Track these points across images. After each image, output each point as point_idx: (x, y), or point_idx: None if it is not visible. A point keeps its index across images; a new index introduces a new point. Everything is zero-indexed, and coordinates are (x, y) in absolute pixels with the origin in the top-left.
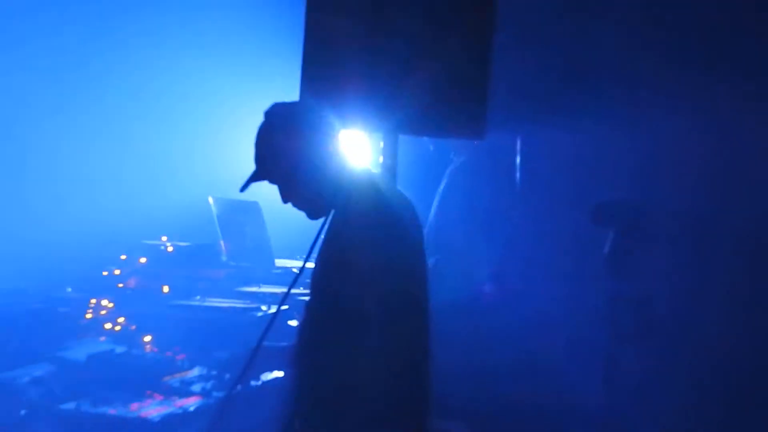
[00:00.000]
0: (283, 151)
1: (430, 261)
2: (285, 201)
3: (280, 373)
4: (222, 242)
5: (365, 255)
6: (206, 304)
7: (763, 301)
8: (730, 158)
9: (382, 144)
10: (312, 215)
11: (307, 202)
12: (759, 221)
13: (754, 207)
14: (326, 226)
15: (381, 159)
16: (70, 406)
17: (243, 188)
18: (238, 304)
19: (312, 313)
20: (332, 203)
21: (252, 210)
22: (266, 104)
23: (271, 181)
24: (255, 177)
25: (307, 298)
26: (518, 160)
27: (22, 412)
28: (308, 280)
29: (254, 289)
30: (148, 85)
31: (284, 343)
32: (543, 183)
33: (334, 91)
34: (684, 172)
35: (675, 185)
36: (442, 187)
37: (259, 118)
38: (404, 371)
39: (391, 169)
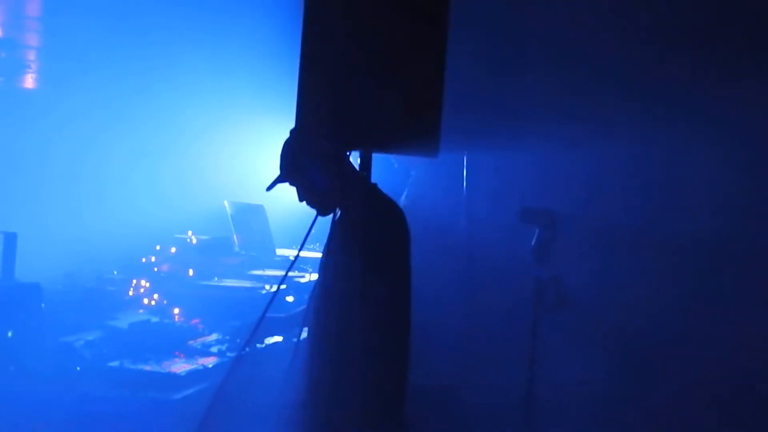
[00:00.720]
0: (302, 162)
1: None
2: (301, 200)
3: (279, 338)
4: (235, 236)
5: (372, 246)
6: (222, 284)
7: (650, 280)
8: (624, 174)
9: (359, 160)
10: (322, 213)
11: (318, 202)
12: (649, 221)
13: (644, 209)
14: (334, 223)
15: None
16: (116, 363)
17: (269, 188)
18: (247, 284)
19: (329, 297)
20: (338, 204)
21: (258, 211)
22: (272, 124)
23: (291, 184)
24: (279, 180)
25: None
26: (465, 173)
27: (78, 368)
28: (307, 268)
29: (260, 272)
30: (178, 114)
31: (282, 315)
32: (484, 192)
33: (324, 112)
34: (586, 184)
35: (581, 194)
36: (404, 196)
37: (263, 137)
38: (401, 347)
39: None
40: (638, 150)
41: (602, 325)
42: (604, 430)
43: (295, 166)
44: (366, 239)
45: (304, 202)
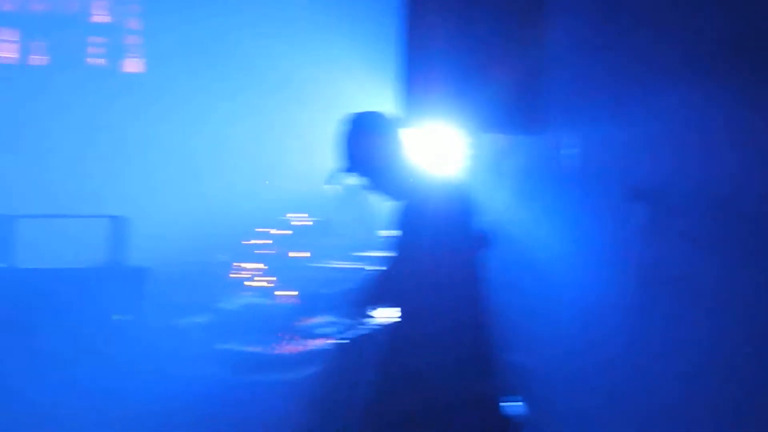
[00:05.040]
0: (369, 150)
1: None
2: (367, 189)
3: (385, 320)
4: (338, 217)
5: (432, 223)
6: (327, 265)
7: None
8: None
9: (464, 140)
10: (392, 198)
11: (387, 189)
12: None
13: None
14: (402, 207)
15: (465, 153)
16: (225, 345)
17: (331, 181)
18: (351, 264)
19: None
20: (405, 189)
21: (361, 194)
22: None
23: (359, 174)
24: (341, 172)
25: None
26: (574, 154)
27: (187, 350)
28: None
29: (363, 253)
30: (283, 95)
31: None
32: (597, 174)
33: (428, 92)
34: (703, 160)
35: (696, 171)
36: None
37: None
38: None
39: (473, 160)
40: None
41: (715, 301)
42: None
43: (362, 156)
44: (418, 220)
45: (374, 192)
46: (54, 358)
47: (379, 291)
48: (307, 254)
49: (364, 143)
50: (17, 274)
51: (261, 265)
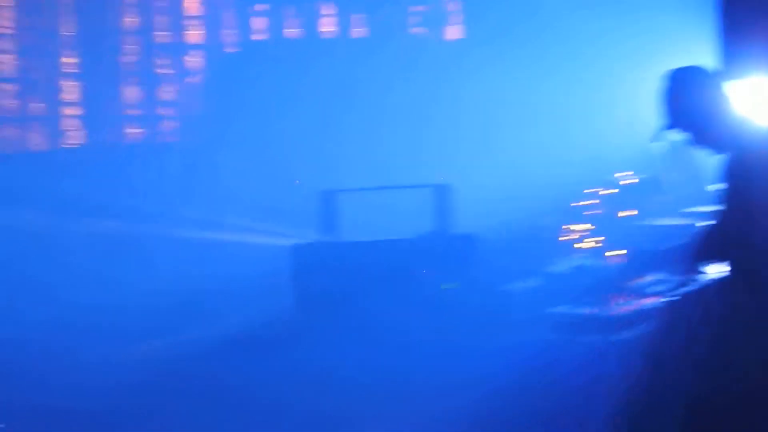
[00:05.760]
0: (691, 105)
1: None
2: (691, 144)
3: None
4: (665, 174)
5: (760, 175)
6: (656, 223)
7: None
8: None
9: None
10: (716, 153)
11: (711, 143)
12: None
13: None
14: (728, 161)
15: None
16: (555, 308)
17: (654, 139)
18: (681, 221)
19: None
20: (729, 143)
21: (688, 150)
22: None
23: (682, 130)
24: (665, 128)
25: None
26: None
27: (520, 315)
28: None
29: (693, 209)
30: (600, 61)
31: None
32: None
33: (750, 44)
34: None
35: None
36: None
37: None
38: None
39: None
40: None
41: None
42: None
43: (682, 112)
44: (745, 173)
45: (698, 147)
46: (382, 330)
47: (709, 246)
48: (636, 212)
49: (686, 98)
50: (343, 248)
51: (590, 226)
